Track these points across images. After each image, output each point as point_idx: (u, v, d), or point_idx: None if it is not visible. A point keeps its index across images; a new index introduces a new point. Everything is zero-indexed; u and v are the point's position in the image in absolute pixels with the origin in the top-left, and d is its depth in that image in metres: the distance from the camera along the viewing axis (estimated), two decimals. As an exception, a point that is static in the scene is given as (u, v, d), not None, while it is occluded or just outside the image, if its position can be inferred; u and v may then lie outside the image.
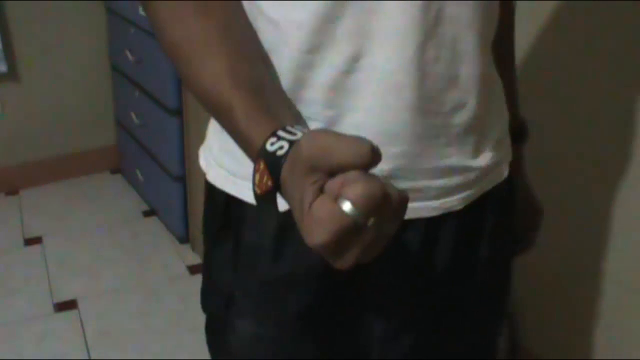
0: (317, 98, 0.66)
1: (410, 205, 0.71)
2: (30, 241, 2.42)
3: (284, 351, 0.79)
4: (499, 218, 0.81)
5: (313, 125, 0.67)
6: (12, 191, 2.71)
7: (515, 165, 0.90)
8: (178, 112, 2.20)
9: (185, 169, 2.28)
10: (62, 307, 2.09)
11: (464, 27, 0.67)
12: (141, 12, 2.18)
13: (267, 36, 0.66)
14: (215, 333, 0.84)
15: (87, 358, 1.89)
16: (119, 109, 2.72)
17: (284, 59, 0.65)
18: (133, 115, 2.50)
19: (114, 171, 2.86)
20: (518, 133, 0.95)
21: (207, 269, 0.82)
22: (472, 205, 0.76)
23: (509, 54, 0.94)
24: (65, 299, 2.12)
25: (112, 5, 2.50)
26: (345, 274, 0.68)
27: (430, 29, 0.64)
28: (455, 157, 0.72)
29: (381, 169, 0.65)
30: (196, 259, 2.32)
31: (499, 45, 0.79)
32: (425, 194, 0.72)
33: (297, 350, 0.79)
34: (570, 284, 1.46)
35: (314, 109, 0.67)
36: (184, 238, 2.40)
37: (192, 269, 2.28)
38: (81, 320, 2.03)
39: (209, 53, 0.60)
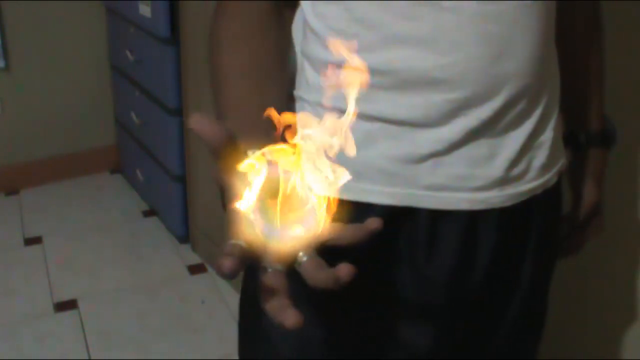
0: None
1: (452, 195, 0.70)
2: (30, 241, 2.41)
3: (318, 334, 0.78)
4: (545, 228, 0.78)
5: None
6: (12, 191, 2.70)
7: (592, 172, 0.88)
8: (178, 112, 2.20)
9: (185, 169, 2.28)
10: (62, 307, 2.09)
11: (509, 24, 0.65)
12: (141, 12, 2.17)
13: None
14: (250, 317, 0.83)
15: (87, 358, 1.89)
16: (119, 109, 2.72)
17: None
18: (133, 115, 2.50)
19: (114, 171, 2.86)
20: (602, 135, 0.90)
21: None
22: (517, 208, 0.73)
23: (593, 50, 0.88)
24: (65, 299, 2.12)
25: (112, 5, 2.50)
26: (374, 264, 0.69)
27: (466, 27, 0.64)
28: (504, 151, 0.70)
29: (420, 153, 0.68)
30: (196, 259, 2.32)
31: (583, 41, 0.79)
32: (467, 184, 0.70)
33: (328, 334, 0.78)
34: (569, 284, 1.46)
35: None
36: (184, 238, 2.40)
37: (192, 269, 2.27)
38: (81, 320, 2.03)
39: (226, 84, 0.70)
